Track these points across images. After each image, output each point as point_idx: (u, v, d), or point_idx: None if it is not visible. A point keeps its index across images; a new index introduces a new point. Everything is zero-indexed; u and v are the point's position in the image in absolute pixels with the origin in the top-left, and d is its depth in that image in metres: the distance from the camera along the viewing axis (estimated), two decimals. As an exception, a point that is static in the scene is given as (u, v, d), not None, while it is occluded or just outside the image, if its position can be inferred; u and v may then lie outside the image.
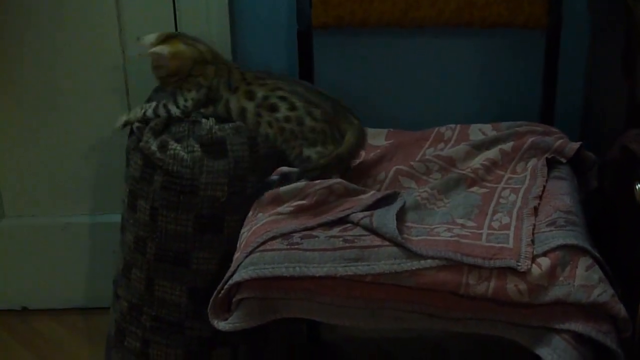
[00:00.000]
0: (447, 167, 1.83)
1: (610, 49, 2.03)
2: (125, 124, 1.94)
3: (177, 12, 2.13)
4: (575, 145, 1.84)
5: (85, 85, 2.20)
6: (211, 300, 1.61)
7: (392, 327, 1.60)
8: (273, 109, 1.81)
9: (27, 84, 2.21)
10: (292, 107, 1.80)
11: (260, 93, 1.83)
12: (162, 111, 1.89)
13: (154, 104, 1.91)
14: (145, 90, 2.05)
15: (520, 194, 1.72)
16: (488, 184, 1.78)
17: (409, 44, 2.17)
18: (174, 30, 2.05)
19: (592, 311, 1.48)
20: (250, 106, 1.84)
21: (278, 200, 1.72)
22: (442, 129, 1.98)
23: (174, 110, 1.89)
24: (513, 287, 1.49)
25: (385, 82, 2.21)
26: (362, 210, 1.66)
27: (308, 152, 1.79)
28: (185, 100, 1.88)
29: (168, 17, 2.13)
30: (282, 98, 1.81)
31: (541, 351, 1.50)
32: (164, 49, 1.86)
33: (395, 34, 2.13)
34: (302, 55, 2.01)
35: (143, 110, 1.92)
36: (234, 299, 1.60)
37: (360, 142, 1.82)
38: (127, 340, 1.95)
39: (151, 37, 1.90)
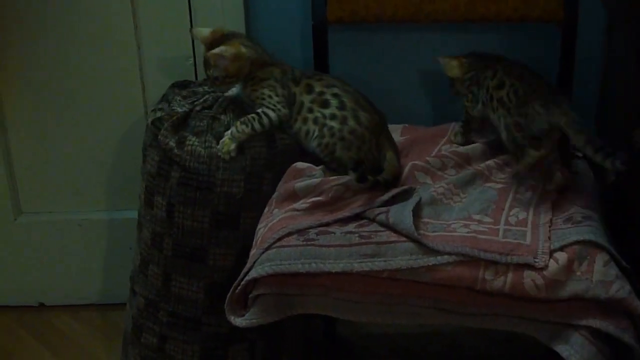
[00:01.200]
0: (463, 164, 1.83)
1: (625, 43, 2.02)
2: (239, 147, 1.83)
3: (192, 7, 2.12)
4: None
5: (101, 83, 2.20)
6: (228, 297, 1.62)
7: (408, 322, 1.61)
8: (325, 104, 1.80)
9: (43, 82, 2.21)
10: (342, 106, 1.79)
11: (317, 88, 1.83)
12: (266, 121, 1.82)
13: (255, 117, 1.82)
14: (161, 88, 2.05)
15: (537, 190, 1.71)
16: (503, 180, 1.78)
17: (424, 39, 2.16)
18: (230, 29, 1.93)
19: (610, 307, 1.48)
20: (306, 100, 1.83)
21: (294, 197, 1.72)
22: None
23: (273, 116, 1.82)
24: (530, 282, 1.49)
25: (400, 77, 2.20)
26: (379, 206, 1.66)
27: (341, 153, 1.77)
28: (274, 105, 1.84)
29: (183, 12, 2.13)
30: (335, 95, 1.81)
31: (558, 347, 1.50)
32: (226, 51, 1.82)
33: (409, 29, 2.13)
34: (317, 50, 2.01)
35: (250, 127, 1.82)
36: (250, 295, 1.61)
37: (400, 162, 1.82)
38: (144, 336, 1.96)
39: (205, 31, 1.88)
